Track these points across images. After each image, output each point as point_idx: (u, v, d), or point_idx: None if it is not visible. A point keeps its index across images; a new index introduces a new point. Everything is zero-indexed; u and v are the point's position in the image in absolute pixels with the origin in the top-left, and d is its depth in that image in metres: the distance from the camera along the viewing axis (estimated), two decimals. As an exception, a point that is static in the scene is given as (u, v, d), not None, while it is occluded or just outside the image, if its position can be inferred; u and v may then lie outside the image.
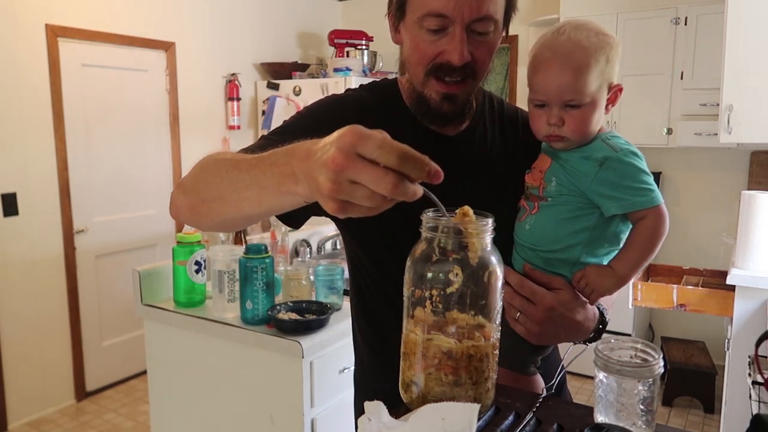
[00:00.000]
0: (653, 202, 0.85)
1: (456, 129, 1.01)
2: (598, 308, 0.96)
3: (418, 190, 0.56)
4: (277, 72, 4.44)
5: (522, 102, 4.76)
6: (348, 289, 1.09)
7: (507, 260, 0.97)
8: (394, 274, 0.82)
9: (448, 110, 0.94)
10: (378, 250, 1.01)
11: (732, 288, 2.41)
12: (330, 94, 1.08)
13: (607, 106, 0.93)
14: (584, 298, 0.92)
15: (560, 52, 0.88)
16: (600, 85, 0.89)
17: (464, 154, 1.01)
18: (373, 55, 4.57)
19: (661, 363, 0.69)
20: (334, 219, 1.01)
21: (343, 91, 1.07)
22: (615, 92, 0.93)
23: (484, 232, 0.71)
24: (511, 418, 0.74)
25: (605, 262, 0.92)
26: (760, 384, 1.33)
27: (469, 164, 1.00)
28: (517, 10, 0.95)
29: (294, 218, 0.95)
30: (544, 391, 0.80)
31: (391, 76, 1.12)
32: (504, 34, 0.96)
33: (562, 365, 0.85)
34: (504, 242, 0.96)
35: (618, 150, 0.88)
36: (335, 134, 0.56)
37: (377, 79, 1.10)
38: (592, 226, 0.89)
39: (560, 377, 1.12)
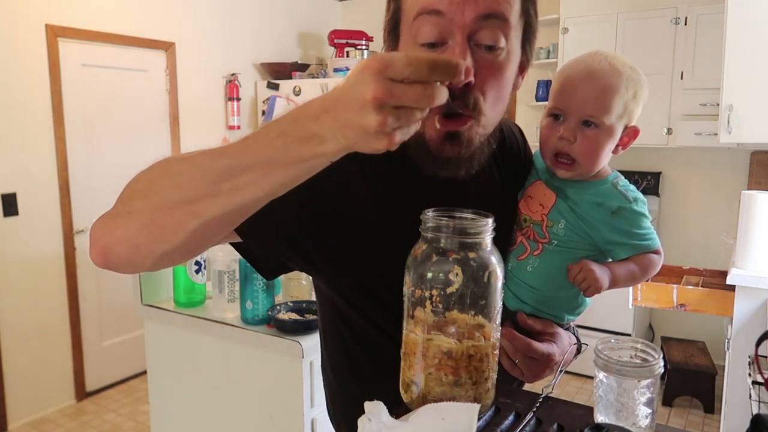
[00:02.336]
0: (655, 245, 0.92)
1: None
2: (574, 333, 0.98)
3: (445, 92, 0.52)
4: (277, 72, 4.44)
5: (522, 102, 4.75)
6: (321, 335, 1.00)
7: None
8: (389, 305, 0.80)
9: (451, 153, 0.77)
10: (369, 288, 0.86)
11: (732, 288, 2.41)
12: None
13: (617, 148, 0.93)
14: (568, 335, 0.93)
15: (595, 69, 0.89)
16: (621, 115, 0.89)
17: (472, 199, 0.84)
18: (373, 55, 4.57)
19: (661, 363, 0.69)
20: (328, 273, 0.88)
21: None
22: (630, 135, 0.93)
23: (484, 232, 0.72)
24: (511, 418, 0.74)
25: (590, 302, 0.96)
26: (760, 384, 1.33)
27: (474, 208, 0.78)
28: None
29: (271, 270, 0.85)
30: (544, 391, 0.80)
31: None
32: (520, 69, 0.81)
33: (557, 372, 0.86)
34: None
35: (631, 200, 0.90)
36: (357, 70, 0.52)
37: None
38: None
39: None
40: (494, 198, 0.92)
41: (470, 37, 0.72)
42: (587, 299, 0.95)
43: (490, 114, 0.77)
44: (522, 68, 0.82)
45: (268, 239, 0.80)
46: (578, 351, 0.98)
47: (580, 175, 0.91)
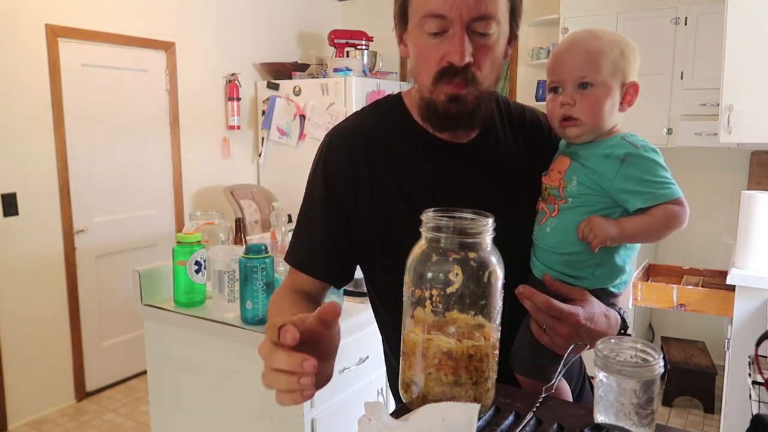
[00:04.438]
0: (675, 194, 0.89)
1: (467, 136, 1.00)
2: (618, 312, 0.96)
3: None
4: (277, 72, 4.44)
5: (522, 101, 4.76)
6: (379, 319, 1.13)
7: (527, 265, 0.98)
8: None
9: (456, 111, 0.93)
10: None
11: (732, 288, 2.41)
12: (320, 146, 1.05)
13: (622, 104, 0.95)
14: (606, 308, 0.92)
15: (576, 39, 0.95)
16: (612, 72, 0.92)
17: (477, 161, 1.00)
18: (373, 55, 4.57)
19: (661, 363, 0.69)
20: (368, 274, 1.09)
21: (329, 130, 1.05)
22: (631, 91, 0.95)
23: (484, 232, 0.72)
24: (511, 418, 0.74)
25: (626, 265, 0.95)
26: (760, 384, 1.33)
27: (483, 171, 1.00)
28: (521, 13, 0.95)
29: (346, 275, 1.06)
30: (545, 391, 0.80)
31: (391, 76, 1.13)
32: (509, 41, 0.95)
33: (564, 361, 0.84)
34: (522, 247, 0.98)
35: (638, 146, 0.90)
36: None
37: (378, 99, 1.10)
38: None
39: (580, 382, 1.12)
40: (506, 167, 1.02)
41: (467, 27, 0.88)
42: (621, 264, 0.93)
43: (486, 81, 0.93)
44: (510, 40, 0.96)
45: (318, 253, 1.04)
46: (623, 332, 0.96)
47: (588, 133, 0.94)
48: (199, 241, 1.89)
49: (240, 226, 2.22)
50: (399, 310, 0.79)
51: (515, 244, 0.80)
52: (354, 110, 4.55)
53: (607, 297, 0.95)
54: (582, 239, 0.90)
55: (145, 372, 2.77)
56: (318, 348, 0.74)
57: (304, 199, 1.05)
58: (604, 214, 0.90)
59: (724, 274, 2.45)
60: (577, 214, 0.92)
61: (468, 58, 0.87)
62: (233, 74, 4.26)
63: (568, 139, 0.97)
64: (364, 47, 4.54)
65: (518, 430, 0.71)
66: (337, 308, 0.72)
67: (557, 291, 0.91)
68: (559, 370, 0.83)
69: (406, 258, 0.77)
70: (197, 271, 1.88)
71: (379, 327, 1.13)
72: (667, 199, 0.88)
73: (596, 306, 0.91)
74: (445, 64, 0.89)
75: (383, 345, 1.14)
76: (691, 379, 3.39)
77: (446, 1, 0.86)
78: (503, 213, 0.80)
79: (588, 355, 0.86)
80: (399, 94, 1.07)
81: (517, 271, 0.91)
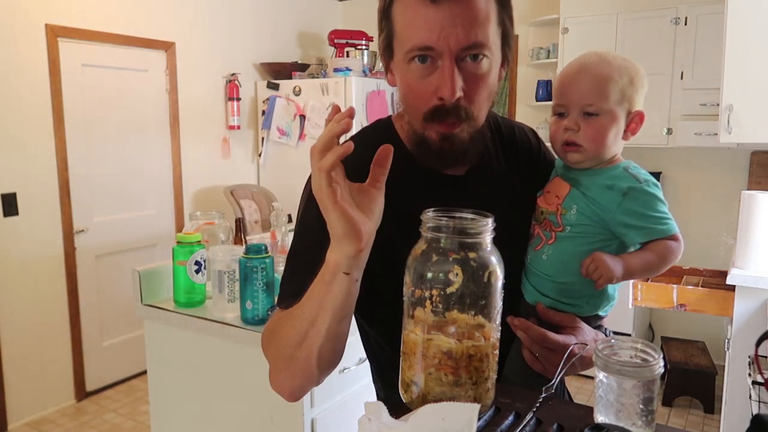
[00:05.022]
0: (673, 230, 0.90)
1: (463, 168, 0.96)
2: (605, 334, 0.97)
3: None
4: (277, 72, 4.44)
5: (522, 102, 4.76)
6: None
7: (519, 289, 0.96)
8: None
9: (449, 149, 0.88)
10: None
11: (732, 288, 2.41)
12: (309, 180, 0.87)
13: (626, 132, 0.94)
14: (595, 332, 0.93)
15: (586, 63, 0.93)
16: (620, 101, 0.91)
17: (474, 193, 0.95)
18: (373, 55, 4.57)
19: (661, 363, 0.69)
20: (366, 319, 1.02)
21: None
22: (636, 120, 0.94)
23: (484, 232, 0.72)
24: (511, 418, 0.74)
25: (616, 292, 0.95)
26: (760, 384, 1.33)
27: (480, 203, 0.85)
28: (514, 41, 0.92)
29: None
30: (545, 391, 0.80)
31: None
32: (503, 64, 0.90)
33: (562, 363, 0.84)
34: (518, 276, 0.96)
35: (642, 181, 0.90)
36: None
37: (366, 125, 1.03)
38: None
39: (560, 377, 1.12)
40: (502, 194, 0.97)
41: (457, 58, 0.82)
42: (612, 293, 0.94)
43: (480, 114, 0.88)
44: (503, 64, 0.90)
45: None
46: None
47: (589, 160, 0.93)
48: (199, 241, 1.89)
49: (240, 226, 2.22)
50: (398, 336, 0.78)
51: (512, 272, 0.77)
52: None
53: (595, 320, 0.96)
54: (585, 276, 0.89)
55: (145, 372, 2.77)
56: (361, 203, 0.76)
57: (297, 237, 0.96)
58: (601, 246, 0.90)
59: (724, 274, 2.45)
60: (575, 244, 0.91)
61: (459, 93, 0.82)
62: (233, 74, 4.26)
63: (568, 164, 0.96)
64: (364, 47, 4.55)
65: (518, 430, 0.71)
66: (388, 150, 0.78)
67: (549, 319, 0.91)
68: (559, 370, 0.83)
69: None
70: (197, 271, 1.88)
71: (368, 354, 1.07)
72: (665, 235, 0.89)
73: (587, 333, 0.92)
74: (435, 101, 0.84)
75: (371, 366, 1.09)
76: (691, 379, 3.39)
77: (433, 32, 0.80)
78: (503, 242, 0.77)
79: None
80: (389, 120, 1.01)
81: (516, 298, 0.91)
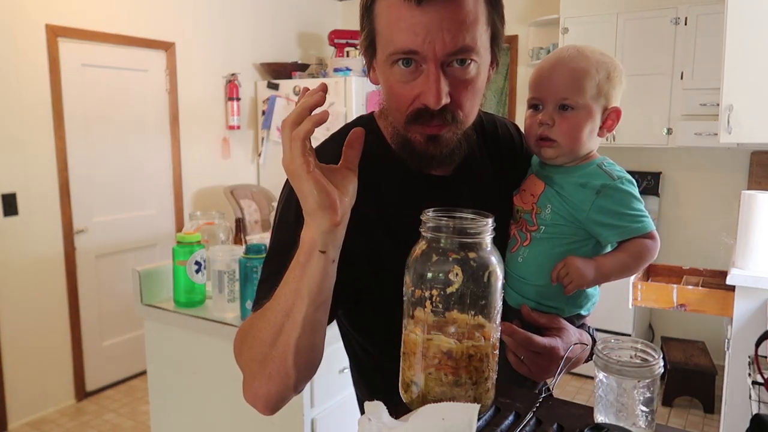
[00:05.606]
0: (648, 228, 0.88)
1: (449, 168, 0.93)
2: (588, 332, 0.97)
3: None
4: (277, 72, 4.44)
5: (522, 102, 4.75)
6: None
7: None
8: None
9: (435, 152, 0.85)
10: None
11: (732, 288, 2.41)
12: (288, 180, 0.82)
13: (602, 129, 0.93)
14: (579, 332, 0.92)
15: (563, 56, 0.91)
16: (596, 96, 0.90)
17: (461, 193, 0.93)
18: (373, 55, 4.57)
19: (661, 363, 0.69)
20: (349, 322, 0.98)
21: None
22: (612, 116, 0.93)
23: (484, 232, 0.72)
24: (511, 418, 0.74)
25: (597, 291, 0.94)
26: (760, 384, 1.33)
27: (466, 203, 0.83)
28: (504, 38, 0.87)
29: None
30: (544, 390, 0.80)
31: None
32: (493, 68, 0.86)
33: (559, 370, 0.85)
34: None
35: (615, 178, 0.89)
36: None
37: (348, 122, 0.98)
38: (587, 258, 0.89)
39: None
40: (487, 193, 0.96)
41: (442, 63, 0.78)
42: (593, 291, 0.94)
43: (467, 118, 0.85)
44: (492, 64, 0.87)
45: None
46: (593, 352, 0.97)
47: (564, 155, 0.92)
48: (199, 241, 1.89)
49: (240, 226, 2.22)
50: (382, 336, 0.77)
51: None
52: (354, 110, 4.49)
53: (577, 320, 0.96)
54: (556, 282, 0.88)
55: (145, 372, 2.77)
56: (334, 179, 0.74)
57: (275, 240, 0.90)
58: (576, 247, 0.89)
59: (724, 274, 2.45)
60: (550, 245, 0.90)
61: (445, 100, 0.78)
62: (233, 74, 4.26)
63: (542, 159, 0.95)
64: (364, 47, 4.54)
65: (518, 430, 0.71)
66: (360, 132, 0.78)
67: (533, 321, 0.91)
68: (559, 370, 0.84)
69: (392, 293, 0.75)
70: (197, 271, 1.89)
71: (349, 357, 1.05)
72: (640, 233, 0.88)
73: (572, 334, 0.91)
74: (419, 105, 0.80)
75: (352, 374, 1.06)
76: (691, 379, 3.39)
77: (418, 35, 0.76)
78: (494, 242, 0.76)
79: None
80: (371, 116, 0.96)
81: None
